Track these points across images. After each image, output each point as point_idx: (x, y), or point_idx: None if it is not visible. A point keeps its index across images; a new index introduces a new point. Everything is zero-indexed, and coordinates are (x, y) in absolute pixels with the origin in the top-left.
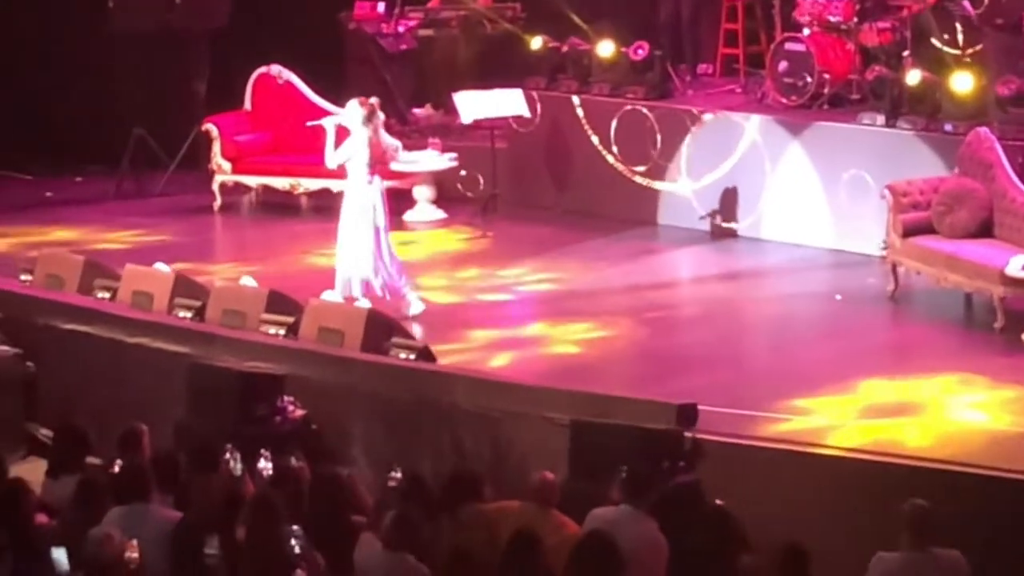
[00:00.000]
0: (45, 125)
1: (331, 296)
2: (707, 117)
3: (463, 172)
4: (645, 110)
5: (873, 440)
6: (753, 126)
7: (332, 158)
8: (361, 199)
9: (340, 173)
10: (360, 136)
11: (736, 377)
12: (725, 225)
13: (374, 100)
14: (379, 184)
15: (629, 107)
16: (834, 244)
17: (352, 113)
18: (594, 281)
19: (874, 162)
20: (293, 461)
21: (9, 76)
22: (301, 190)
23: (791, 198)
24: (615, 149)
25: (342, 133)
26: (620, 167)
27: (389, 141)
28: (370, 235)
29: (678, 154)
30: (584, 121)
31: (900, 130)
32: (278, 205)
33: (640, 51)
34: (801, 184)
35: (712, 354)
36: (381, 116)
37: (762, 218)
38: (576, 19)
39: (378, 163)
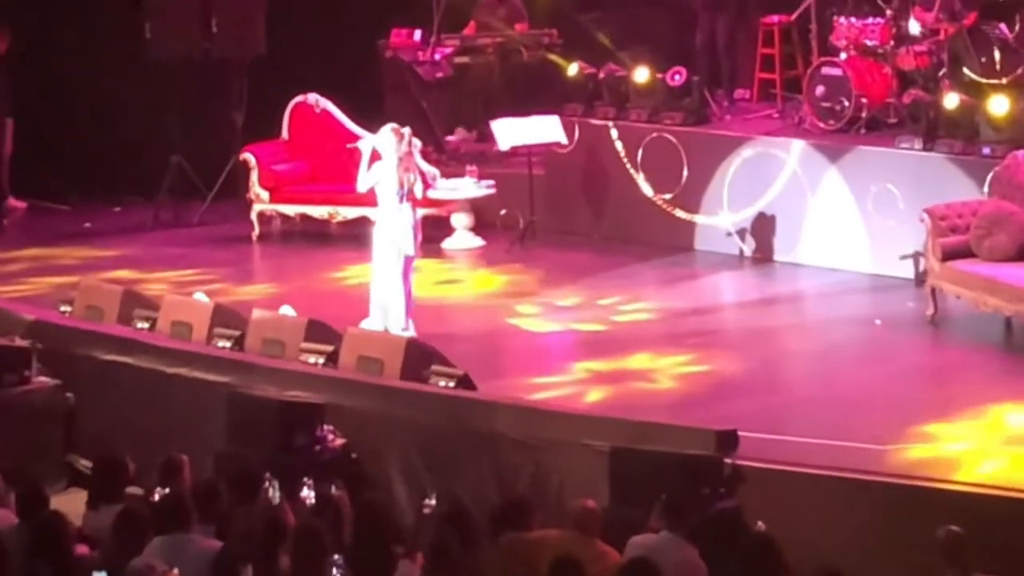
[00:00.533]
0: (83, 155)
1: (369, 325)
2: (746, 146)
3: (503, 211)
4: (671, 136)
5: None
6: (790, 152)
7: (362, 181)
8: (390, 226)
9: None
10: (390, 162)
11: (779, 402)
12: (761, 251)
13: (407, 129)
14: (409, 212)
15: (655, 134)
16: (872, 268)
17: (384, 139)
18: (637, 307)
19: (912, 186)
20: (334, 490)
21: (46, 105)
22: (339, 218)
23: (828, 223)
24: (642, 175)
25: (376, 157)
26: (651, 193)
27: (427, 168)
28: (398, 262)
29: (714, 180)
30: (620, 147)
31: (938, 153)
32: (316, 234)
33: (677, 77)
34: (838, 208)
35: (754, 380)
36: (417, 143)
37: (799, 243)
38: (608, 44)
39: (409, 191)
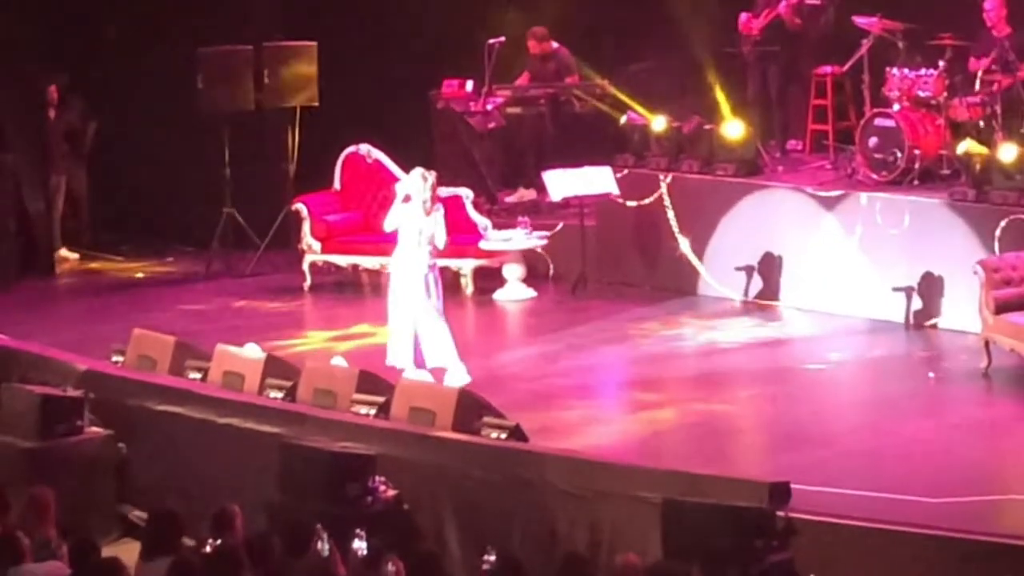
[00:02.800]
0: (136, 206)
1: (412, 374)
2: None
3: (551, 268)
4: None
5: None
6: (840, 201)
7: (388, 221)
8: (408, 269)
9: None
10: (416, 206)
11: (831, 454)
12: (807, 303)
13: (432, 173)
14: (426, 256)
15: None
16: (930, 320)
17: (412, 181)
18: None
19: (965, 237)
20: (390, 567)
21: (99, 157)
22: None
23: (877, 274)
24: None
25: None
26: (685, 246)
27: (478, 219)
28: (420, 305)
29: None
30: (666, 198)
31: (992, 205)
32: (367, 284)
33: (732, 128)
34: (888, 260)
35: (806, 431)
36: (469, 194)
37: (846, 294)
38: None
39: (430, 238)
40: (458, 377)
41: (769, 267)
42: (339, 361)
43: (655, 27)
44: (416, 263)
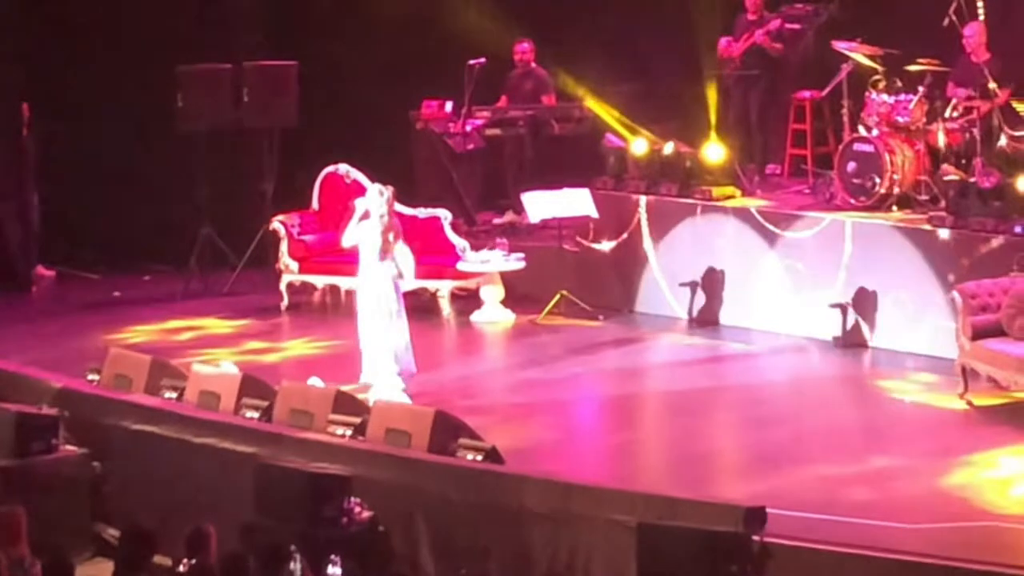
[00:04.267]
0: (113, 224)
1: (365, 382)
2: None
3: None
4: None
5: None
6: (827, 226)
7: (346, 237)
8: (371, 284)
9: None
10: (375, 222)
11: (806, 479)
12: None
13: (389, 189)
14: (389, 268)
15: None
16: (910, 348)
17: (371, 197)
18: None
19: (944, 263)
20: None
21: (76, 174)
22: None
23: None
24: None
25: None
26: (657, 271)
27: (456, 241)
28: (384, 321)
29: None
30: (644, 222)
31: (970, 232)
32: (344, 305)
33: (711, 152)
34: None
35: (782, 455)
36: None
37: (835, 321)
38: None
39: (389, 251)
40: (392, 388)
41: (740, 290)
42: (315, 381)
43: (636, 49)
44: (380, 277)
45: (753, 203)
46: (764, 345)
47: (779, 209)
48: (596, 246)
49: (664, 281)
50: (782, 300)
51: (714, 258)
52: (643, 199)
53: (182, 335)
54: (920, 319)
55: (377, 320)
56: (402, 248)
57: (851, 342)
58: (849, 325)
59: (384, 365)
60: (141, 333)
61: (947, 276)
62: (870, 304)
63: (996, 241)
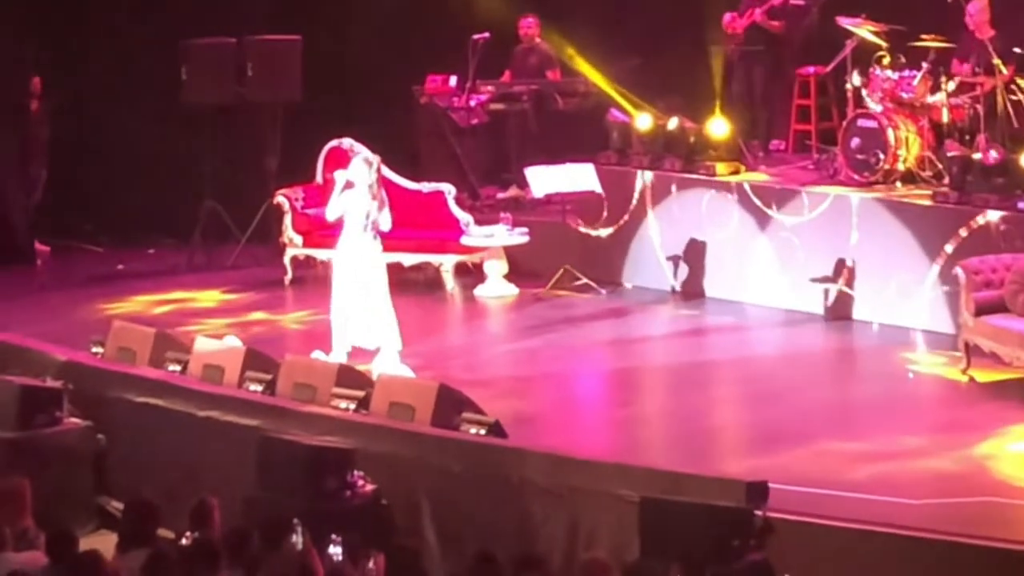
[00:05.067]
0: (117, 197)
1: (321, 354)
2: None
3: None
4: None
5: None
6: (832, 199)
7: (331, 209)
8: (353, 256)
9: (413, 247)
10: (361, 191)
11: (808, 454)
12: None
13: (376, 158)
14: (372, 241)
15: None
16: (912, 323)
17: (356, 168)
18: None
19: (947, 239)
20: (371, 564)
21: (81, 148)
22: None
23: (877, 277)
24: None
25: (350, 187)
26: (658, 246)
27: (460, 215)
28: (367, 289)
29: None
30: (647, 197)
31: (973, 207)
32: None
33: (715, 127)
34: (877, 261)
35: (784, 431)
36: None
37: (840, 296)
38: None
39: (374, 222)
40: (391, 362)
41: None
42: (318, 355)
43: (641, 23)
44: (364, 248)
45: (756, 178)
46: (762, 319)
47: (780, 184)
48: (593, 232)
49: (663, 256)
50: (776, 274)
51: (713, 232)
52: (644, 174)
53: (186, 308)
54: (913, 294)
55: (360, 286)
56: (385, 215)
57: (840, 315)
58: (836, 299)
59: (387, 334)
60: (145, 306)
61: (941, 251)
62: (862, 278)
63: (995, 216)
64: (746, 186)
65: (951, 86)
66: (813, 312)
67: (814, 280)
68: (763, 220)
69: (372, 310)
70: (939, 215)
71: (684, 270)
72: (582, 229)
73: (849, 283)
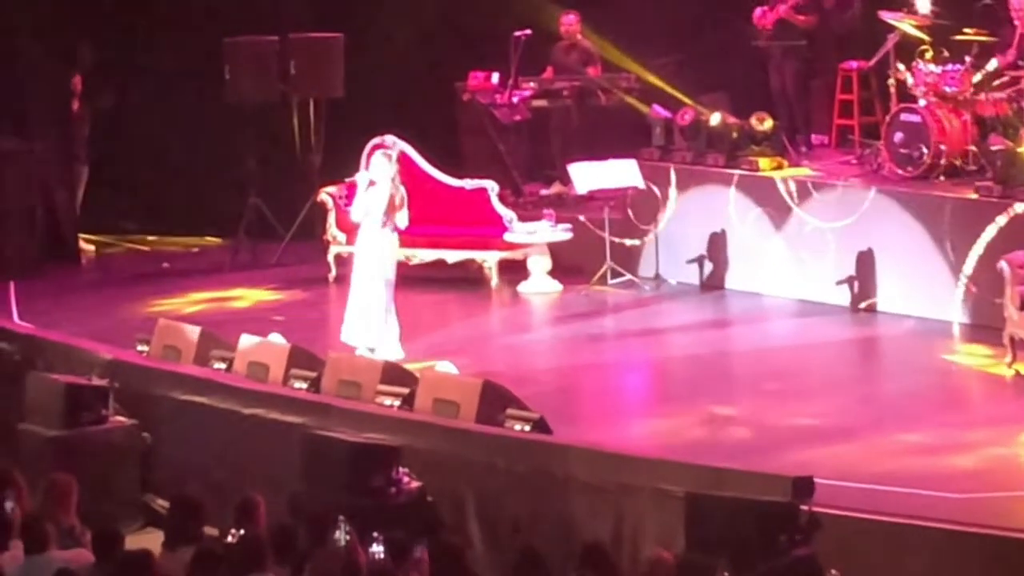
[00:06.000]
0: (162, 195)
1: (347, 338)
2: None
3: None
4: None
5: None
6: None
7: (356, 210)
8: (375, 249)
9: (456, 244)
10: (383, 188)
11: (855, 449)
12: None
13: (394, 148)
14: (391, 235)
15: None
16: (958, 317)
17: (377, 164)
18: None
19: (992, 233)
20: (417, 553)
21: (127, 147)
22: (416, 261)
23: (911, 270)
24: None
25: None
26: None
27: (503, 211)
28: (380, 285)
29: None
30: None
31: (1018, 200)
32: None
33: (757, 121)
34: (919, 255)
35: (830, 425)
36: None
37: (879, 290)
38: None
39: (393, 215)
40: (394, 353)
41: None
42: (363, 352)
43: (682, 19)
44: (383, 243)
45: (798, 172)
46: (802, 312)
47: (820, 180)
48: (629, 243)
49: (703, 251)
50: (813, 268)
51: (745, 227)
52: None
53: (231, 306)
54: (948, 286)
55: (376, 284)
56: (403, 213)
57: (871, 307)
58: (868, 291)
59: (386, 327)
60: (190, 303)
61: (975, 243)
62: (897, 271)
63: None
64: (778, 180)
65: (992, 64)
66: (843, 304)
67: (840, 282)
68: (795, 215)
69: (380, 307)
70: (975, 207)
71: (719, 264)
72: (621, 241)
73: (871, 277)
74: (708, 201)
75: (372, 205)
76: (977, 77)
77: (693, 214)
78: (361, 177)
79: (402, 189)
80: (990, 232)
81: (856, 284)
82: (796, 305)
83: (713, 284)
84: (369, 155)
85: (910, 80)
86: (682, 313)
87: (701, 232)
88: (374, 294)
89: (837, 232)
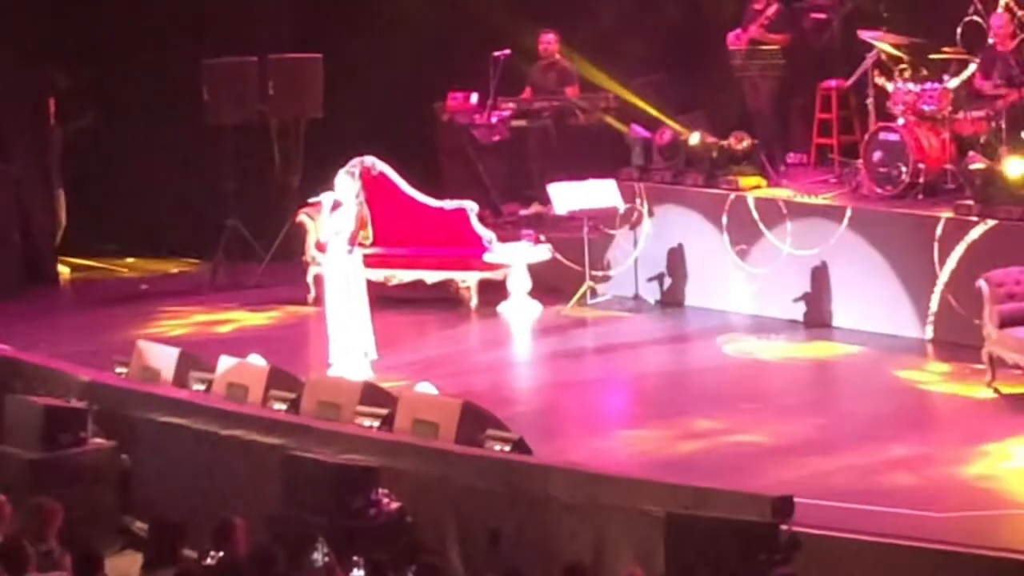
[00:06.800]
0: (139, 216)
1: (336, 371)
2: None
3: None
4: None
5: None
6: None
7: (323, 232)
8: (345, 269)
9: (436, 264)
10: (350, 207)
11: (833, 468)
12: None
13: (356, 166)
14: (358, 255)
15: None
16: (921, 335)
17: (342, 184)
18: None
19: (969, 252)
20: None
21: (103, 168)
22: (395, 281)
23: (883, 289)
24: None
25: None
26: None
27: (482, 232)
28: (354, 305)
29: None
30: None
31: (996, 219)
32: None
33: (736, 141)
34: (889, 275)
35: (807, 445)
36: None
37: (856, 309)
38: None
39: (358, 234)
40: (364, 371)
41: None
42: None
43: (660, 39)
44: (352, 263)
45: (777, 193)
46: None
47: (792, 198)
48: (612, 273)
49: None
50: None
51: (723, 247)
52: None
53: (209, 327)
54: (921, 304)
55: (346, 302)
56: (367, 232)
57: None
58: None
59: (351, 345)
60: (168, 326)
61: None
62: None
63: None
64: (749, 199)
65: (963, 75)
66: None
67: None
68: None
69: (355, 321)
70: (954, 225)
71: (692, 282)
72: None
73: (825, 294)
74: (686, 220)
75: (341, 225)
76: (954, 85)
77: (671, 233)
78: (326, 197)
79: (366, 209)
80: (960, 250)
81: (810, 303)
82: (777, 323)
83: (679, 302)
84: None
85: (891, 88)
86: (661, 331)
87: (679, 251)
88: (351, 313)
89: (807, 259)
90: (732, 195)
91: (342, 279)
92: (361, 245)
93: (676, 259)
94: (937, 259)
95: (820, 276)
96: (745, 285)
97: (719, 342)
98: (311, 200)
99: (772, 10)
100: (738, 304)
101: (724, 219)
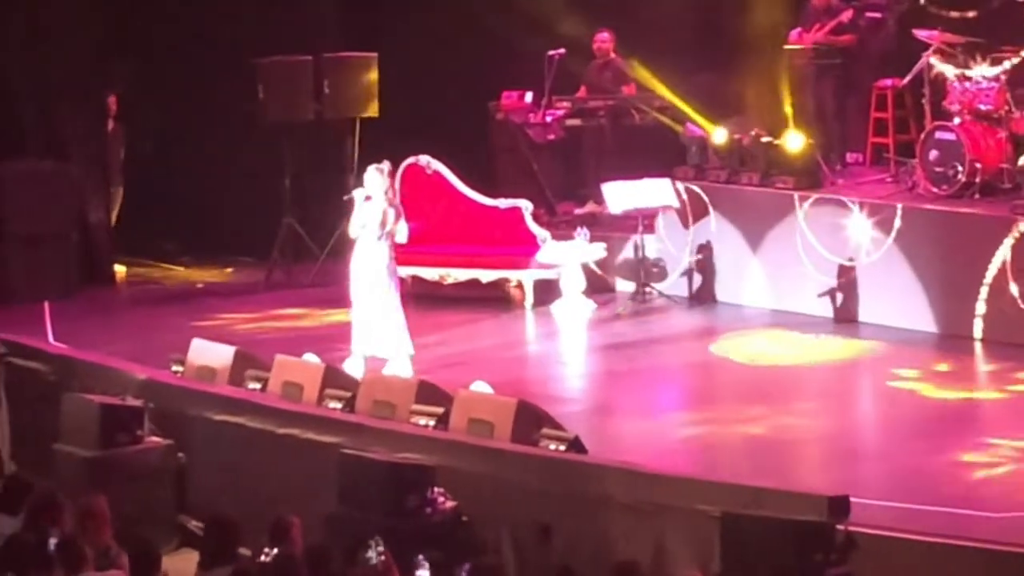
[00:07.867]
0: (196, 216)
1: (353, 364)
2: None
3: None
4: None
5: None
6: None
7: (352, 227)
8: (373, 262)
9: (490, 263)
10: (378, 203)
11: (889, 468)
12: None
13: (386, 164)
14: (385, 248)
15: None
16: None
17: (371, 179)
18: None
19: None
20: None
21: (160, 168)
22: (450, 280)
23: (942, 289)
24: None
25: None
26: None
27: (537, 231)
28: (379, 296)
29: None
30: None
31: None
32: (426, 295)
33: (792, 141)
34: (946, 274)
35: (863, 445)
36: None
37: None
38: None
39: (386, 228)
40: (404, 368)
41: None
42: (397, 371)
43: (717, 39)
44: (377, 257)
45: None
46: (833, 330)
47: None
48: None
49: (741, 270)
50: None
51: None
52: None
53: (265, 326)
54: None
55: (376, 294)
56: (401, 227)
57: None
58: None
59: (399, 340)
60: (225, 323)
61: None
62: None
63: None
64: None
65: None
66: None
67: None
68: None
69: (385, 318)
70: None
71: (753, 282)
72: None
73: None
74: (743, 220)
75: (368, 219)
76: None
77: (728, 233)
78: (357, 193)
79: (399, 203)
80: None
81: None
82: (832, 324)
83: (737, 301)
84: (403, 175)
85: (950, 74)
86: (715, 331)
87: (738, 251)
88: (374, 306)
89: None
90: (795, 195)
91: (371, 272)
92: (393, 242)
93: (732, 257)
94: (992, 258)
95: (871, 276)
96: (801, 284)
97: (778, 340)
98: (344, 197)
99: (847, 15)
100: (795, 303)
101: (780, 219)
